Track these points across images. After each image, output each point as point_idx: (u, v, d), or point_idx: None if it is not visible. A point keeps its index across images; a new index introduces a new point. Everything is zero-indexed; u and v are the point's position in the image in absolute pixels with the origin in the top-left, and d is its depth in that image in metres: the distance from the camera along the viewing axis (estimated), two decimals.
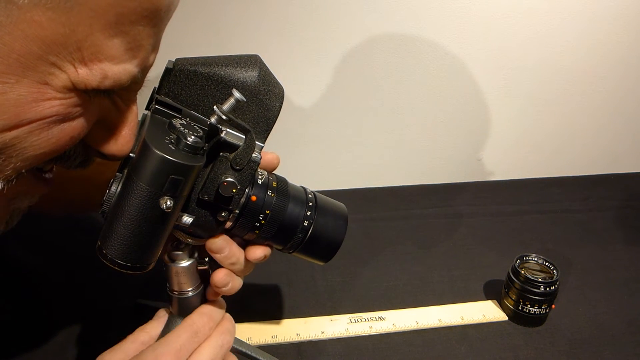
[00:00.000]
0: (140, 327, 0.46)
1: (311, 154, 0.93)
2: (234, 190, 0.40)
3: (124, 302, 0.65)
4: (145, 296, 0.66)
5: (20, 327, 0.60)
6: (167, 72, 0.40)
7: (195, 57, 0.41)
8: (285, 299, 0.68)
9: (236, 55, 0.41)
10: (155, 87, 0.42)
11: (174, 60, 0.41)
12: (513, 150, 0.99)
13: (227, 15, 0.79)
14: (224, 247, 0.44)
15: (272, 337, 0.61)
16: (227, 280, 0.45)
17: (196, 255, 0.46)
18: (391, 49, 0.85)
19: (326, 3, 0.80)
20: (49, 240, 0.70)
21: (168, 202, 0.36)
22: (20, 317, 0.61)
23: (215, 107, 0.38)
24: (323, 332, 0.62)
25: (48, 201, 0.41)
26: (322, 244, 0.47)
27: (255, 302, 0.67)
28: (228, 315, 0.48)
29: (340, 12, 0.81)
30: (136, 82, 0.34)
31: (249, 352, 0.51)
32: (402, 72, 0.87)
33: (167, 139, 0.37)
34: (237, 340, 0.50)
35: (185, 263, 0.45)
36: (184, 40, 0.74)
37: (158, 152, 0.35)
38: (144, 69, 0.34)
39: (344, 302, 0.68)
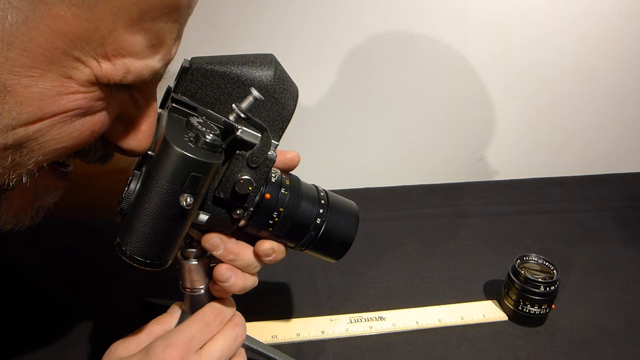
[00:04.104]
0: (155, 320, 0.47)
1: (311, 154, 0.93)
2: (250, 188, 0.40)
3: (128, 300, 0.65)
4: (149, 295, 0.66)
5: (23, 327, 0.60)
6: (184, 71, 0.41)
7: (211, 56, 0.41)
8: (285, 299, 0.68)
9: (252, 55, 0.42)
10: (169, 87, 0.42)
11: (189, 59, 0.41)
12: (513, 150, 0.99)
13: (226, 15, 0.79)
14: (218, 244, 0.44)
15: (272, 337, 0.61)
16: (228, 275, 0.45)
17: (208, 253, 0.46)
18: (391, 48, 0.85)
19: (326, 3, 0.80)
20: (50, 239, 0.70)
21: (188, 200, 0.37)
22: (22, 316, 0.61)
23: (234, 105, 0.38)
24: (323, 332, 0.62)
25: (71, 206, 0.42)
26: (334, 242, 0.47)
27: (255, 302, 0.66)
28: (238, 312, 0.49)
29: (340, 12, 0.81)
30: (157, 76, 0.35)
31: (261, 349, 0.52)
32: (402, 72, 0.87)
33: (187, 137, 0.37)
34: (248, 338, 0.50)
35: (197, 261, 0.45)
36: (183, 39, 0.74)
37: (179, 149, 0.35)
38: (166, 64, 0.35)
39: (344, 302, 0.68)
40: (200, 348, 0.43)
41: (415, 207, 0.90)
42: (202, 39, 0.79)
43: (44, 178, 0.35)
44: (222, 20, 0.80)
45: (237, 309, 0.49)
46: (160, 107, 0.42)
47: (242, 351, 0.48)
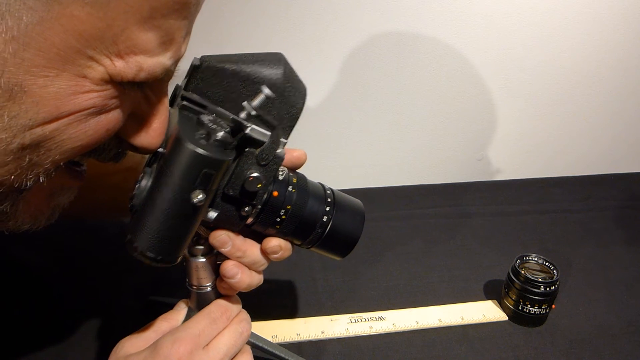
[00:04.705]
0: (162, 316, 0.47)
1: (311, 153, 0.93)
2: (259, 185, 0.41)
3: (132, 300, 0.65)
4: (154, 294, 0.66)
5: (26, 327, 0.60)
6: (194, 69, 0.41)
7: (220, 55, 0.42)
8: (285, 299, 0.68)
9: (261, 53, 0.42)
10: (177, 85, 0.43)
11: (199, 57, 0.41)
12: (513, 150, 0.99)
13: (226, 14, 0.79)
14: (226, 241, 0.44)
15: (272, 337, 0.61)
16: (235, 271, 0.45)
17: (216, 250, 0.46)
18: (392, 48, 0.85)
19: (326, 2, 0.80)
20: (53, 239, 0.70)
21: (200, 196, 0.37)
22: (25, 316, 0.61)
23: (245, 103, 0.39)
24: (323, 332, 0.62)
25: (78, 206, 0.42)
26: (341, 239, 0.48)
27: (256, 301, 0.67)
28: (243, 309, 0.49)
29: (340, 12, 0.81)
30: (168, 73, 0.35)
31: (266, 347, 0.52)
32: (402, 72, 0.87)
33: (198, 134, 0.38)
34: (253, 335, 0.50)
35: (204, 258, 0.46)
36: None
37: (192, 146, 0.36)
38: (176, 61, 0.35)
39: (344, 302, 0.68)
40: (207, 344, 0.43)
41: (415, 207, 0.90)
42: (202, 39, 0.79)
43: (59, 178, 0.35)
44: (222, 20, 0.80)
45: None
46: (169, 105, 0.42)
47: (248, 348, 0.48)
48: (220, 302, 0.47)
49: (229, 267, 0.45)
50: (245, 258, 0.46)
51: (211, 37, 0.80)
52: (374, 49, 0.85)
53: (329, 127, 0.91)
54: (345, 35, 0.83)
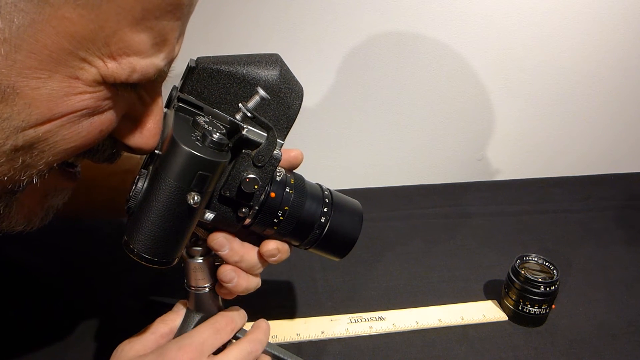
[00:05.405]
0: (160, 318, 0.47)
1: (311, 153, 0.92)
2: (256, 187, 0.41)
3: (130, 300, 0.65)
4: (152, 295, 0.66)
5: (24, 327, 0.60)
6: (190, 70, 0.41)
7: (216, 56, 0.42)
8: (285, 299, 0.68)
9: (257, 54, 0.42)
10: (174, 86, 0.43)
11: (195, 58, 0.42)
12: (513, 150, 0.99)
13: (225, 14, 0.79)
14: (224, 244, 0.44)
15: (272, 337, 0.61)
16: (231, 276, 0.45)
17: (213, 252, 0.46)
18: (392, 48, 0.85)
19: (326, 3, 0.80)
20: (51, 239, 0.70)
21: (195, 198, 0.37)
22: (23, 317, 0.61)
23: (240, 104, 0.39)
24: (323, 332, 0.62)
25: (76, 207, 0.42)
26: (339, 240, 0.48)
27: (256, 302, 0.67)
28: (264, 325, 0.49)
29: (340, 12, 0.81)
30: (162, 74, 0.35)
31: (282, 356, 0.52)
32: (402, 72, 0.87)
33: (194, 136, 0.38)
34: (270, 345, 0.51)
35: (202, 259, 0.46)
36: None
37: (187, 148, 0.36)
38: (170, 62, 0.35)
39: (344, 302, 0.68)
40: (214, 355, 0.44)
41: (415, 207, 0.90)
42: (201, 39, 0.79)
43: (53, 179, 0.35)
44: (221, 20, 0.80)
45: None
46: (165, 107, 0.42)
47: (265, 357, 0.48)
48: (225, 313, 0.47)
49: (225, 272, 0.45)
50: (243, 262, 0.46)
51: (210, 37, 0.80)
52: (374, 49, 0.85)
53: (329, 127, 0.91)
54: (345, 35, 0.83)
